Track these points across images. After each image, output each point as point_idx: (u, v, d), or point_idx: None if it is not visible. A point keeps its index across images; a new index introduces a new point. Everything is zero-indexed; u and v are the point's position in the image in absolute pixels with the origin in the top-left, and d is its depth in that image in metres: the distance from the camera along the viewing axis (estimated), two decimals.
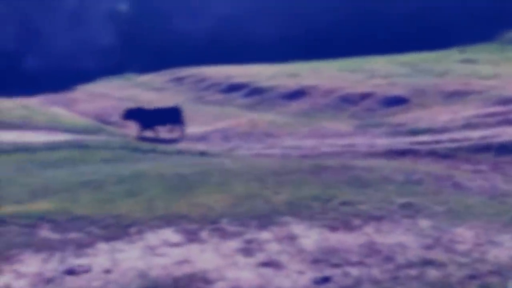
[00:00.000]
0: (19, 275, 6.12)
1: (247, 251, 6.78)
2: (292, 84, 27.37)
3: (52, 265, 6.38)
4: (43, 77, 37.67)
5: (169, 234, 7.37)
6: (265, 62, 34.42)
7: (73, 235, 7.38)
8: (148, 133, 19.78)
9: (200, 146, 18.93)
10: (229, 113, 25.06)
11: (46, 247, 6.89)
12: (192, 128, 22.61)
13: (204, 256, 6.61)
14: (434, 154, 14.82)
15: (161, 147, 17.64)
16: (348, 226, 7.65)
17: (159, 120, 20.21)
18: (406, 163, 13.34)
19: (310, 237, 7.25)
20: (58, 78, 36.26)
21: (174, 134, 20.09)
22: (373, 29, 41.19)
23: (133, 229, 7.54)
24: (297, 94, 25.84)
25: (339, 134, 19.45)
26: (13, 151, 15.45)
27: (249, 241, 7.08)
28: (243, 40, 42.70)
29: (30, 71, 39.84)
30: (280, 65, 33.46)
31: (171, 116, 20.34)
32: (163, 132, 20.41)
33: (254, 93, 27.77)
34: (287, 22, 43.80)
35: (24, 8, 41.16)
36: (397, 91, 23.35)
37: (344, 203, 8.60)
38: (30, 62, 40.94)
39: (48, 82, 34.63)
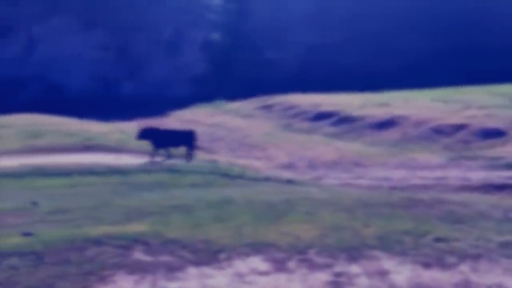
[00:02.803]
0: None
1: (336, 284, 6.65)
2: (382, 113, 26.92)
3: (143, 287, 6.53)
4: (139, 102, 39.28)
5: (257, 262, 7.37)
6: (354, 91, 34.13)
7: (164, 258, 7.53)
8: (161, 153, 19.39)
9: (287, 174, 18.95)
10: (316, 141, 24.97)
11: (138, 269, 7.08)
12: (279, 156, 22.70)
13: (292, 286, 6.55)
14: None
15: (250, 173, 17.81)
16: (442, 264, 7.34)
17: (172, 142, 19.82)
18: (504, 199, 12.68)
19: (402, 273, 7.01)
20: (152, 104, 37.66)
21: (186, 156, 19.57)
22: (469, 59, 39.93)
23: (222, 255, 7.61)
24: (387, 124, 25.37)
25: (430, 166, 18.86)
26: (109, 174, 16.12)
27: (338, 274, 6.95)
28: (332, 69, 42.65)
29: (127, 97, 41.68)
30: (370, 94, 33.06)
31: (185, 139, 19.91)
32: (177, 153, 20.07)
33: (343, 122, 27.55)
34: (377, 51, 43.38)
35: (124, 36, 43.34)
36: (494, 123, 22.38)
37: (438, 239, 8.27)
38: (128, 88, 42.88)
39: (143, 108, 36.05)
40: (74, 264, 7.19)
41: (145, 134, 19.53)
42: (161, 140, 19.44)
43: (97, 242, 8.01)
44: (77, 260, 7.35)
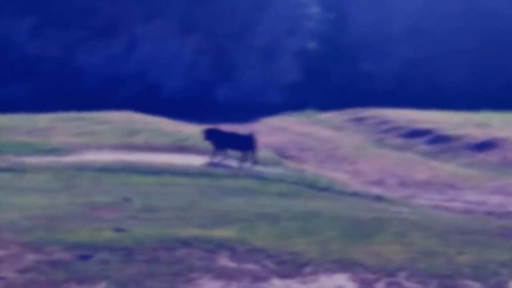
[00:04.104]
0: None
1: None
2: (480, 134, 25.76)
3: None
4: (231, 107, 39.87)
5: (343, 280, 7.19)
6: (452, 109, 32.89)
7: (249, 266, 7.51)
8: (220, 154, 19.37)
9: (376, 190, 18.52)
10: (409, 159, 24.23)
11: (224, 275, 7.10)
12: (369, 171, 22.24)
13: None
14: None
15: (337, 186, 17.55)
16: None
17: (231, 144, 19.77)
18: None
19: None
20: (244, 110, 38.08)
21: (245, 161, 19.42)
22: None
23: (307, 269, 7.48)
24: (485, 146, 24.24)
25: None
26: (198, 176, 16.42)
27: None
28: (430, 85, 41.37)
29: (220, 101, 42.46)
30: (469, 113, 31.74)
31: (244, 142, 19.83)
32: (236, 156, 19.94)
33: (438, 140, 26.60)
34: (478, 68, 41.64)
35: (221, 41, 44.24)
36: None
37: None
38: (221, 93, 43.68)
39: (235, 113, 36.55)
40: (163, 264, 7.32)
41: (209, 135, 19.87)
42: (222, 141, 19.70)
43: (186, 243, 8.11)
44: (166, 259, 7.47)
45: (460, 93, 38.59)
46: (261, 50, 44.99)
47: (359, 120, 34.30)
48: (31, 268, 7.05)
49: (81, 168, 16.38)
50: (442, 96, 38.10)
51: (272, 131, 32.92)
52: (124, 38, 43.78)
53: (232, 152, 19.71)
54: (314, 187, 16.60)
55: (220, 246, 8.16)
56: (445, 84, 40.84)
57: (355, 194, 16.42)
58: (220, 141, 19.68)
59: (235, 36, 44.31)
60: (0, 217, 9.37)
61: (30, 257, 7.40)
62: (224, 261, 7.65)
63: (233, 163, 19.15)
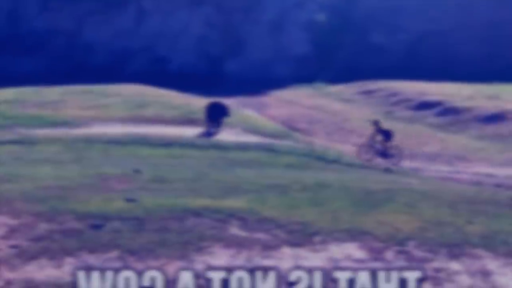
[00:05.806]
0: (210, 267, 6.42)
1: (435, 280, 6.41)
2: (491, 106, 25.63)
3: (239, 262, 6.62)
4: (240, 81, 39.75)
5: (353, 249, 7.25)
6: (463, 81, 32.64)
7: (259, 235, 7.58)
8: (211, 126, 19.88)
9: (385, 162, 18.56)
10: (418, 131, 24.19)
11: (234, 244, 7.17)
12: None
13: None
14: None
15: (346, 158, 17.58)
16: None
17: (219, 113, 20.44)
18: None
19: (507, 275, 6.64)
20: (253, 83, 37.97)
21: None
22: None
23: (317, 238, 7.54)
24: (495, 118, 24.13)
25: None
26: (207, 148, 16.50)
27: (437, 270, 6.69)
28: (441, 57, 40.99)
29: (229, 75, 42.32)
30: (480, 85, 31.51)
31: (221, 111, 20.41)
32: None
33: (448, 112, 26.49)
34: (490, 41, 41.17)
35: (230, 14, 43.90)
36: None
37: None
38: (230, 66, 43.50)
39: (243, 86, 36.47)
40: (174, 233, 7.40)
41: (209, 110, 20.46)
42: (213, 112, 20.29)
43: (196, 213, 8.19)
44: (176, 229, 7.56)
45: (471, 65, 38.24)
46: (270, 23, 44.64)
47: (368, 92, 34.15)
48: (43, 237, 7.16)
49: (91, 140, 16.49)
50: (453, 69, 37.77)
51: (281, 104, 32.88)
52: (133, 11, 43.58)
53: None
54: (323, 159, 16.64)
55: (231, 215, 8.23)
56: (456, 56, 40.46)
57: (364, 166, 16.45)
58: (216, 113, 20.17)
59: (244, 9, 43.96)
60: (12, 188, 9.48)
61: (43, 226, 7.51)
62: (234, 230, 7.72)
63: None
